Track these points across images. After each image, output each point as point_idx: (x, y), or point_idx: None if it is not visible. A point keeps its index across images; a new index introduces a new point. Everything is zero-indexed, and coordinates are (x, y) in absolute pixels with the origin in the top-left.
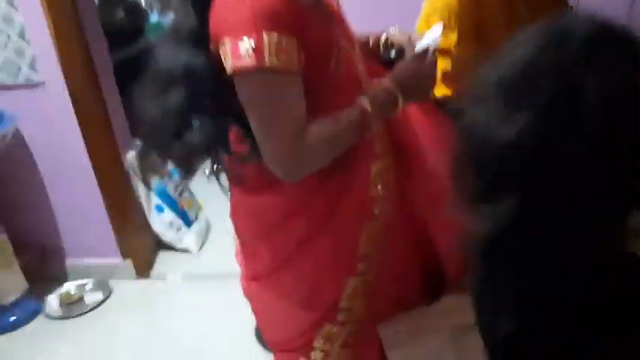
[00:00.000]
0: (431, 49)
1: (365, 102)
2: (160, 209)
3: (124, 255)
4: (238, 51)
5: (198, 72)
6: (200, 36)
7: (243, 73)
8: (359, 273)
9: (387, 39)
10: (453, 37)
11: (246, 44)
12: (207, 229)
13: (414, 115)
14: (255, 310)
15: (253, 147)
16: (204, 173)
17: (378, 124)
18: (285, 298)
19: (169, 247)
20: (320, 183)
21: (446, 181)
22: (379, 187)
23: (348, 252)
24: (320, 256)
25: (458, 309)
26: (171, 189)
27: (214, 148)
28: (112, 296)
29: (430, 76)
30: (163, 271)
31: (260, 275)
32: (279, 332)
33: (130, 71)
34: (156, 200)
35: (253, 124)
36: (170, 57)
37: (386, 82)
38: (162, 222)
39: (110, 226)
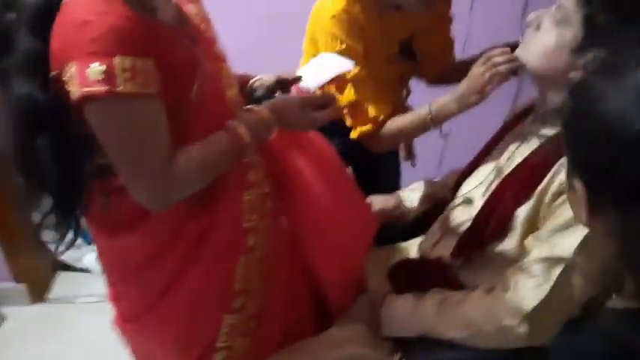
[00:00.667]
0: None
1: (240, 128)
2: None
3: (18, 278)
4: (86, 76)
5: (39, 103)
6: (38, 64)
7: (94, 100)
8: (236, 310)
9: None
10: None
11: (96, 69)
12: None
13: (298, 143)
14: (133, 352)
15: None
16: None
17: (252, 152)
18: (157, 341)
19: (68, 268)
20: (185, 218)
21: (330, 210)
22: (254, 217)
23: (222, 288)
24: (191, 295)
25: (345, 340)
26: None
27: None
28: (6, 324)
29: (310, 124)
30: (62, 293)
31: (131, 317)
32: None
33: None
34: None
35: (114, 157)
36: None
37: (263, 111)
38: None
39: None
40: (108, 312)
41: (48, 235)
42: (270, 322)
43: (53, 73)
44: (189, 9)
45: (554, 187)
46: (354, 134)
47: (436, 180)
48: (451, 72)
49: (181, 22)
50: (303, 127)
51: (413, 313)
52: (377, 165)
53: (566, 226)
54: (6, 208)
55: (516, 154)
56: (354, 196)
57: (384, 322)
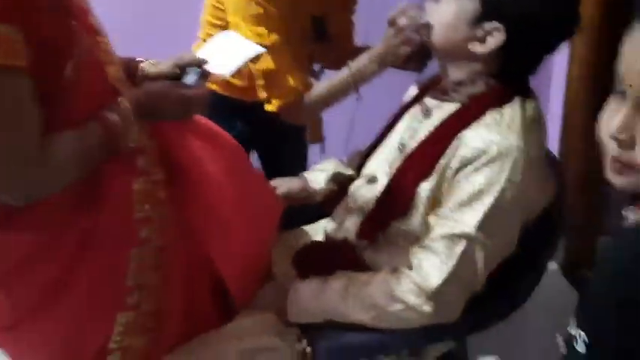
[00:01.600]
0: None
1: (111, 115)
2: None
3: None
4: None
5: None
6: None
7: None
8: (130, 308)
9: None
10: (261, 29)
11: None
12: None
13: (198, 134)
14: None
15: None
16: None
17: (133, 139)
18: (41, 350)
19: None
20: (70, 210)
21: (229, 197)
22: (146, 207)
23: (113, 285)
24: (79, 295)
25: (247, 331)
26: None
27: None
28: None
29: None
30: None
31: (9, 325)
32: None
33: None
34: None
35: None
36: None
37: (138, 93)
38: None
39: None
40: None
41: None
42: (170, 319)
43: None
44: None
45: (455, 162)
46: (271, 107)
47: (342, 159)
48: (351, 56)
49: None
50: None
51: (318, 298)
52: (282, 148)
53: (467, 202)
54: None
55: (419, 129)
56: (255, 181)
57: (290, 309)
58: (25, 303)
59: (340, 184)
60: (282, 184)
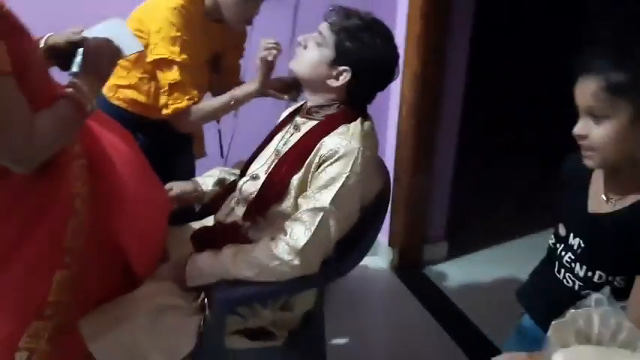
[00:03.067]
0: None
1: (83, 99)
2: None
3: None
4: None
5: None
6: None
7: None
8: (65, 266)
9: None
10: (176, 49)
11: None
12: None
13: (102, 127)
14: None
15: None
16: None
17: (89, 113)
18: None
19: None
20: (23, 182)
21: (132, 191)
22: (79, 184)
23: (55, 247)
24: (28, 254)
25: (154, 294)
26: None
27: None
28: None
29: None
30: None
31: None
32: None
33: None
34: None
35: None
36: None
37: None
38: None
39: None
40: None
41: None
42: (90, 280)
43: None
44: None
45: (317, 160)
46: (167, 111)
47: (227, 168)
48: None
49: (7, 12)
50: (114, 63)
51: (213, 263)
52: (175, 159)
53: (324, 186)
54: None
55: (290, 139)
56: (152, 182)
57: (188, 275)
58: None
59: (224, 187)
60: (176, 186)
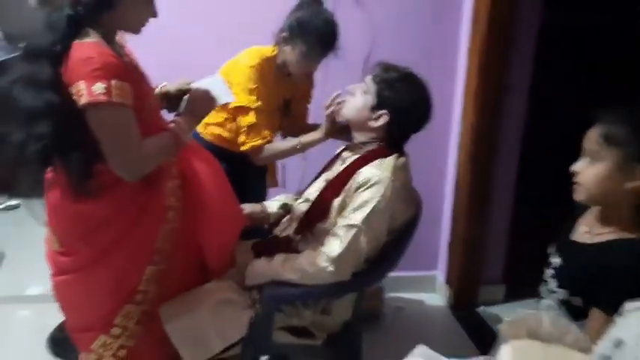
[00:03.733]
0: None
1: (180, 132)
2: None
3: None
4: (92, 90)
5: (56, 107)
6: (56, 82)
7: (98, 106)
8: (155, 263)
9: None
10: (253, 98)
11: (100, 86)
12: (1, 257)
13: (195, 155)
14: (61, 301)
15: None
16: None
17: (185, 144)
18: (94, 286)
19: None
20: (131, 195)
21: (215, 204)
22: (172, 199)
23: (148, 246)
24: (128, 250)
25: (218, 289)
26: None
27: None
28: None
29: (202, 99)
30: None
31: (75, 268)
32: (85, 316)
33: None
34: None
35: (106, 146)
36: (30, 98)
37: (180, 118)
38: None
39: None
40: None
41: None
42: (173, 275)
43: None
44: (130, 52)
45: (353, 186)
46: (244, 148)
47: (290, 194)
48: (304, 130)
49: (135, 65)
50: (210, 109)
51: (266, 267)
52: (249, 184)
53: (358, 207)
54: None
55: (337, 170)
56: (232, 199)
57: (247, 276)
58: (98, 251)
59: (287, 211)
60: (247, 207)
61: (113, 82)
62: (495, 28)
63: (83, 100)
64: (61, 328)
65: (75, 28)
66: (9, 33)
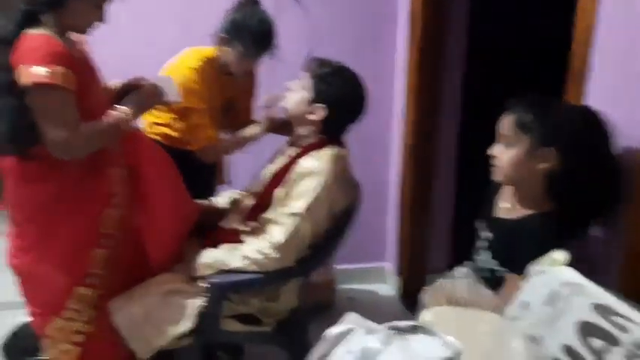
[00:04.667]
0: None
1: (117, 114)
2: None
3: None
4: (35, 73)
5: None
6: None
7: (41, 86)
8: (103, 246)
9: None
10: (195, 99)
11: (42, 69)
12: None
13: (141, 145)
14: (20, 282)
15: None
16: None
17: (125, 132)
18: (46, 267)
19: None
20: (74, 178)
21: (161, 195)
22: (118, 186)
23: (93, 229)
24: (74, 231)
25: (166, 281)
26: None
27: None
28: None
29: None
30: None
31: (26, 249)
32: (39, 298)
33: None
34: None
35: (42, 121)
36: None
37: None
38: None
39: None
40: None
41: None
42: (125, 262)
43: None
44: (84, 48)
45: (293, 177)
46: (192, 147)
47: (238, 190)
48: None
49: (83, 58)
50: (155, 104)
51: (212, 257)
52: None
53: (299, 196)
54: None
55: (279, 163)
56: (184, 194)
57: (194, 267)
58: (44, 231)
59: (234, 205)
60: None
61: (55, 67)
62: (430, 25)
63: (24, 80)
64: (15, 334)
65: (27, 21)
66: None
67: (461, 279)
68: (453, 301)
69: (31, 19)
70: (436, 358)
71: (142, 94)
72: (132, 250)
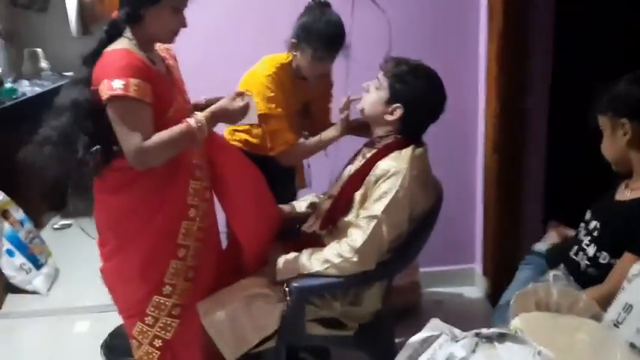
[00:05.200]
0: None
1: (190, 120)
2: (10, 253)
3: None
4: (112, 86)
5: (81, 103)
6: (86, 81)
7: (116, 98)
8: (179, 257)
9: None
10: (272, 105)
11: (119, 82)
12: (56, 273)
13: (228, 153)
14: (108, 286)
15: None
16: (52, 228)
17: (199, 139)
18: (125, 274)
19: (19, 290)
20: (153, 189)
21: (247, 200)
22: (196, 198)
23: (170, 240)
24: (150, 242)
25: (251, 285)
26: (22, 235)
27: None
28: None
29: (233, 112)
30: (9, 311)
31: (108, 256)
32: (122, 301)
33: None
34: (7, 245)
35: (118, 132)
36: (64, 97)
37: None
38: (12, 265)
39: None
40: (48, 326)
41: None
42: (204, 274)
43: (93, 88)
44: (172, 63)
45: (373, 178)
46: (273, 152)
47: (317, 194)
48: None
49: (167, 72)
50: (235, 122)
51: (294, 261)
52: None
53: (378, 198)
54: None
55: (357, 165)
56: (270, 200)
57: (277, 272)
58: (123, 241)
59: (315, 209)
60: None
61: (129, 79)
62: (512, 19)
63: (103, 95)
64: (112, 336)
65: (109, 38)
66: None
67: (554, 283)
68: (545, 307)
69: (112, 37)
70: None
71: (229, 107)
72: (210, 263)
